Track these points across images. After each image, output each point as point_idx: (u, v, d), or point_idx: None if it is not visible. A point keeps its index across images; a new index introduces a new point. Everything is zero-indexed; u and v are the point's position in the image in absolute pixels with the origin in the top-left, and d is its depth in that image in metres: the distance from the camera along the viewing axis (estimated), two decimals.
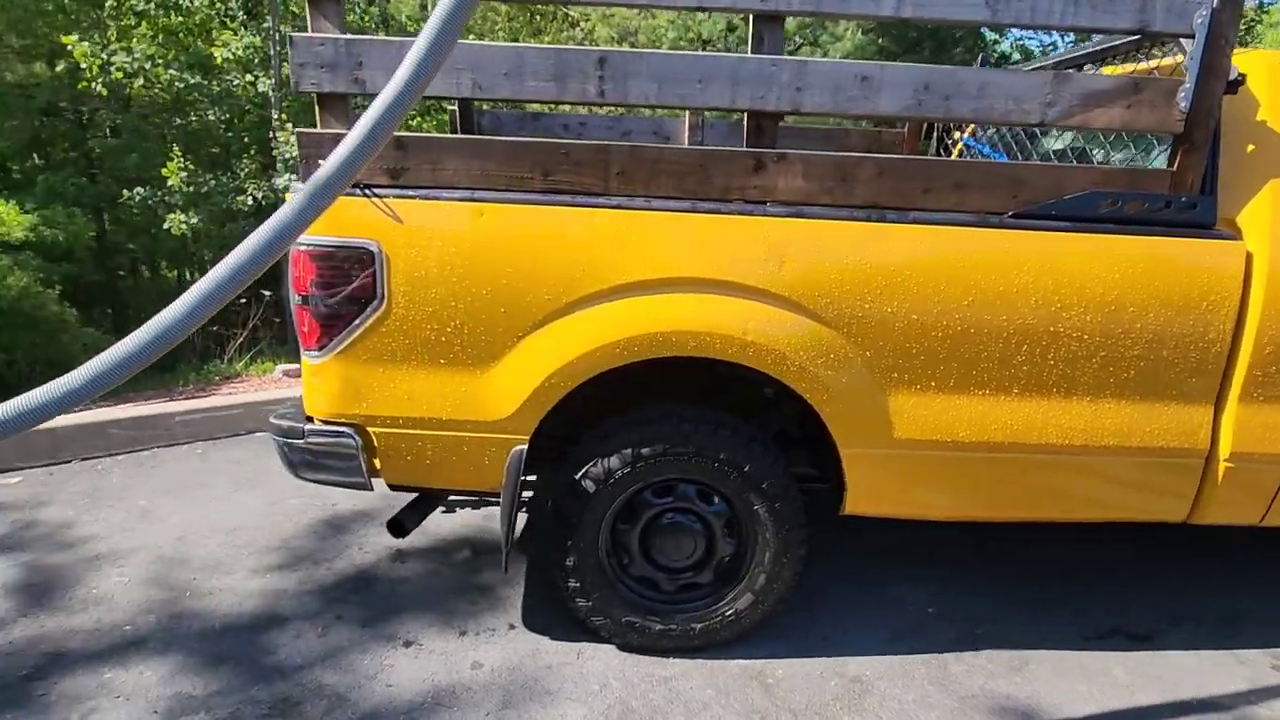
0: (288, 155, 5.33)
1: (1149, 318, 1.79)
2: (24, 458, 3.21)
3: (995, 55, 11.74)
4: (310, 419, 1.92)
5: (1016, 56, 12.53)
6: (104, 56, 5.64)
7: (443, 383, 1.81)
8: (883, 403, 1.82)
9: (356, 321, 1.77)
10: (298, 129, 1.75)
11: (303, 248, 1.76)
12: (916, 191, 1.76)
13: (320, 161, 1.62)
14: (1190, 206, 1.78)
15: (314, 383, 1.85)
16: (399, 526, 2.02)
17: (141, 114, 8.30)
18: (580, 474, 1.88)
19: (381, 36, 1.45)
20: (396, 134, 1.66)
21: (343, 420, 1.85)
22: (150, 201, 6.01)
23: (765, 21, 1.68)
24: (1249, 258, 1.79)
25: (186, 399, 4.08)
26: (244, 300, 5.31)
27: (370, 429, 1.85)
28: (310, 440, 1.86)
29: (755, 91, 1.69)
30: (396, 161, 1.73)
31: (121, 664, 1.98)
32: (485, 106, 3.24)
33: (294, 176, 5.53)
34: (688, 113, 3.15)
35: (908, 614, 2.28)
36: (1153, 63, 2.04)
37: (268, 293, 5.57)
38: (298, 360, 5.26)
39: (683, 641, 2.02)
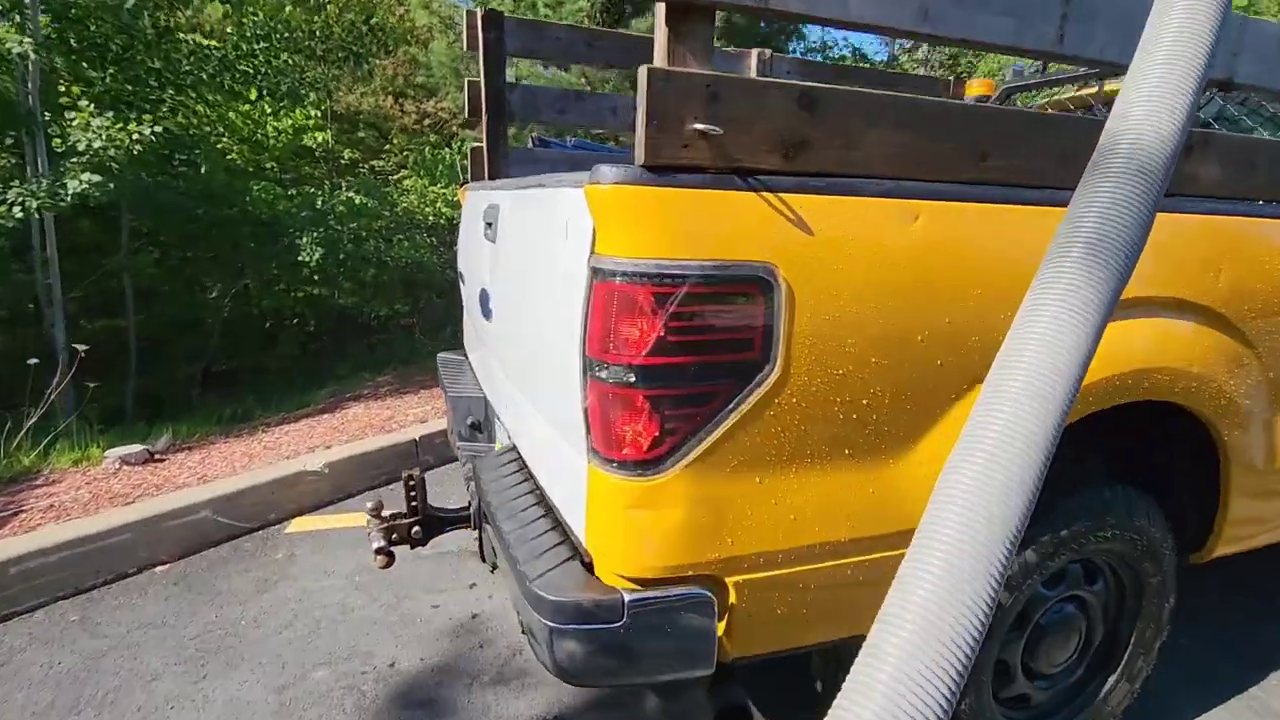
0: (85, 144, 3.67)
1: None
2: None
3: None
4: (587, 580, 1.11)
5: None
6: None
7: (843, 486, 1.14)
8: (1267, 431, 1.55)
9: (733, 404, 1.03)
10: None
11: (634, 279, 0.98)
12: None
13: None
14: None
15: (637, 517, 1.05)
16: (742, 713, 1.26)
17: None
18: None
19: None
20: (802, 84, 1.00)
21: (691, 573, 1.08)
22: None
23: None
24: None
25: None
26: (30, 361, 3.55)
27: (729, 579, 1.11)
28: (635, 620, 1.06)
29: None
30: (796, 131, 1.03)
31: None
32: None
33: (89, 175, 3.87)
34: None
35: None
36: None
37: (81, 347, 3.77)
38: (131, 440, 3.67)
39: None
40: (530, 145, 3.70)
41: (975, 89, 3.39)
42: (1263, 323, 1.44)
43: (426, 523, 1.85)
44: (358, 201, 6.57)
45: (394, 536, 1.81)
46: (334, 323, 8.74)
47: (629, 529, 1.06)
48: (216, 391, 7.34)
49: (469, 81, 2.38)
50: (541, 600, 1.08)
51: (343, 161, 7.92)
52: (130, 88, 4.78)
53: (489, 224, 1.77)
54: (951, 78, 3.31)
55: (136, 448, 3.49)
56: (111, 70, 4.73)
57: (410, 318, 8.81)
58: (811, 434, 1.10)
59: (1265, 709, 1.84)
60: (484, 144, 2.40)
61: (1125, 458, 1.58)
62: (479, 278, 1.95)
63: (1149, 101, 0.72)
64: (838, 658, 1.36)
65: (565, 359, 1.14)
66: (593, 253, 1.05)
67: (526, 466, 1.55)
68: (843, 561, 1.17)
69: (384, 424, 3.94)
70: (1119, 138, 0.73)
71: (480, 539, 1.63)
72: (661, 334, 0.99)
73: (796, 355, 1.05)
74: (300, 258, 5.38)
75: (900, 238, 1.09)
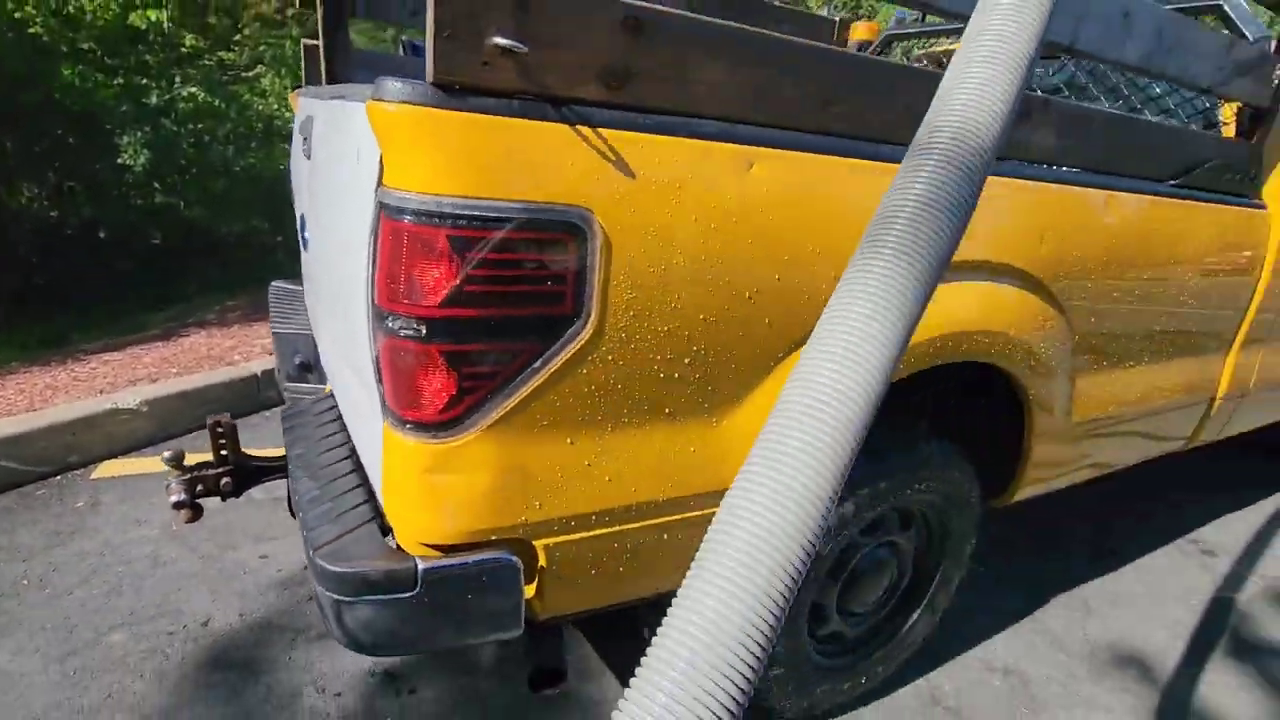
0: None
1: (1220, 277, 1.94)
2: None
3: None
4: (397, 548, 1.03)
5: None
6: None
7: (662, 446, 1.10)
8: (1067, 387, 1.67)
9: (539, 361, 0.95)
10: None
11: (426, 219, 0.86)
12: (1119, 155, 1.59)
13: None
14: (1254, 178, 1.95)
15: (437, 481, 0.96)
16: (555, 675, 1.24)
17: None
18: None
19: None
20: (631, 2, 0.90)
21: (495, 538, 1.02)
22: None
23: None
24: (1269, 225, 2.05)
25: None
26: None
27: (538, 542, 1.05)
28: (430, 589, 0.98)
29: None
30: (621, 57, 0.91)
31: None
32: None
33: None
34: None
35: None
36: None
37: None
38: None
39: (869, 686, 1.69)
40: (401, 51, 3.33)
41: (859, 33, 3.33)
42: (1074, 286, 1.52)
43: (238, 473, 1.67)
44: (200, 98, 5.76)
45: (199, 489, 1.63)
46: (183, 238, 7.81)
47: (425, 494, 0.97)
48: (35, 312, 6.42)
49: None
50: (325, 572, 0.98)
51: (183, 50, 6.86)
52: None
53: (305, 138, 1.54)
54: (847, 18, 3.23)
55: None
56: None
57: (272, 236, 8.03)
58: (629, 393, 1.04)
59: (1043, 628, 2.08)
60: (320, 41, 2.09)
61: (941, 412, 1.66)
62: (300, 199, 1.72)
63: (984, 65, 0.67)
64: (663, 607, 1.37)
65: (359, 305, 1.00)
66: (380, 184, 0.90)
67: (342, 417, 1.41)
68: (661, 520, 1.14)
69: (225, 355, 3.58)
70: (945, 112, 0.67)
71: (289, 491, 1.49)
72: (458, 284, 0.88)
73: (613, 310, 0.97)
74: (121, 160, 4.67)
75: (733, 186, 1.02)
